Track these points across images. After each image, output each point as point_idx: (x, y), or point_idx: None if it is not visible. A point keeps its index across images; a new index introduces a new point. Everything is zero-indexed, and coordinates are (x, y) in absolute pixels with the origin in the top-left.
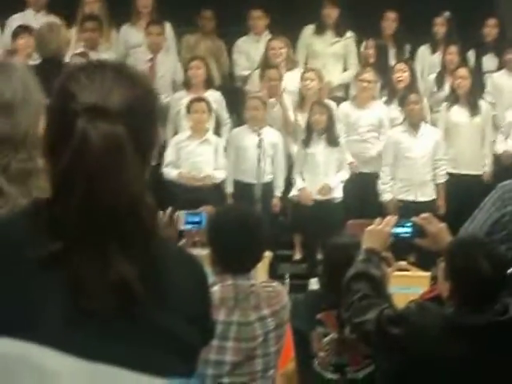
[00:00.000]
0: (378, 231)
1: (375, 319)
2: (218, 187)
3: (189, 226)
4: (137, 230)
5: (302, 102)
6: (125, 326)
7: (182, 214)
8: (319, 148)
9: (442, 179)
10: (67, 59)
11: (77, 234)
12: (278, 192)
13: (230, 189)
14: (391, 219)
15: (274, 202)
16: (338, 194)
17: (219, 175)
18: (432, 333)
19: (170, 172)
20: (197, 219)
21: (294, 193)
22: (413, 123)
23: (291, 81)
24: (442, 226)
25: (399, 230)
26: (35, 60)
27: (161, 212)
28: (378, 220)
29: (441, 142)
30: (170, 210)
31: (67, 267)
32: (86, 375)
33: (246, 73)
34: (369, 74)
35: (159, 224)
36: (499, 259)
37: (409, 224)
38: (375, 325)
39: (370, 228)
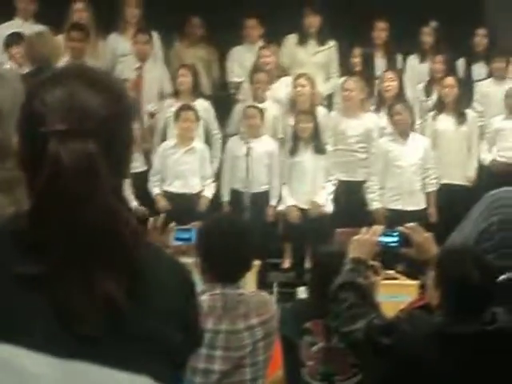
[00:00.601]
0: (364, 240)
1: (364, 329)
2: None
3: (178, 242)
4: (118, 247)
5: (293, 108)
6: (109, 333)
7: (172, 229)
8: (306, 156)
9: (433, 188)
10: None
11: (57, 255)
12: (274, 201)
13: (226, 197)
14: (378, 228)
15: (269, 212)
16: (328, 208)
17: (208, 193)
18: (422, 342)
19: (152, 188)
20: (187, 236)
21: (281, 207)
22: (400, 132)
23: (280, 90)
24: (428, 235)
25: (386, 239)
26: (26, 68)
27: (152, 219)
28: (364, 229)
29: (430, 151)
30: (162, 217)
31: (51, 288)
32: (66, 374)
33: (238, 79)
34: (351, 82)
35: (144, 232)
36: (489, 268)
37: (395, 233)
38: (364, 334)
39: (356, 237)
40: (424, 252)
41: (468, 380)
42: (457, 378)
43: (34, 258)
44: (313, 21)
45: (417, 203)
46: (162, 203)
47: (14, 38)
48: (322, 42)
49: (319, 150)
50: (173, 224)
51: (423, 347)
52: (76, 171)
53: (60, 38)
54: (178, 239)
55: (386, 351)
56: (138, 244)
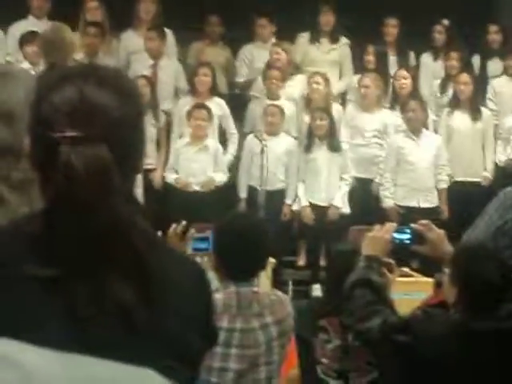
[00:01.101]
0: (377, 238)
1: (380, 326)
2: (220, 191)
3: (195, 252)
4: (129, 251)
5: (309, 106)
6: (121, 336)
7: (191, 237)
8: (321, 153)
9: (444, 185)
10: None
11: (69, 259)
12: (290, 200)
13: (242, 194)
14: (391, 226)
15: (285, 211)
16: (345, 209)
17: (219, 178)
18: (440, 340)
19: (168, 176)
20: (204, 246)
21: (295, 207)
22: (413, 129)
23: (293, 88)
24: (441, 232)
25: (399, 236)
26: (41, 67)
27: (174, 225)
28: (377, 226)
29: (442, 148)
30: (183, 224)
31: (63, 291)
32: (66, 366)
33: (243, 79)
34: (367, 79)
35: (156, 234)
36: (505, 265)
37: (408, 230)
38: (380, 332)
39: (369, 234)
40: (437, 249)
41: (487, 376)
42: (476, 375)
43: (47, 261)
44: (329, 19)
45: (430, 200)
46: (183, 182)
47: (29, 37)
48: (334, 39)
49: (334, 147)
50: (192, 231)
51: (442, 345)
52: (88, 176)
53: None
54: (195, 249)
55: (403, 349)
56: (150, 247)
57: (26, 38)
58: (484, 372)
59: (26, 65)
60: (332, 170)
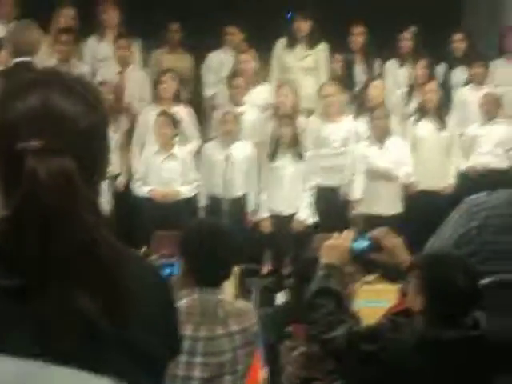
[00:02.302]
0: (336, 245)
1: (346, 336)
2: (189, 202)
3: None
4: (94, 262)
5: (275, 114)
6: (84, 346)
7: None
8: (285, 161)
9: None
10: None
11: (33, 270)
12: (251, 207)
13: (202, 202)
14: (349, 233)
15: (248, 218)
16: (310, 219)
17: (186, 191)
18: (407, 348)
19: (140, 189)
20: (168, 271)
21: (257, 216)
22: (378, 137)
23: (259, 95)
24: (399, 240)
25: (357, 244)
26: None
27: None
28: (335, 234)
29: (405, 153)
30: (144, 250)
31: (26, 301)
32: (19, 375)
33: (212, 92)
34: (329, 87)
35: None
36: (472, 272)
37: (366, 238)
38: (346, 341)
39: (328, 242)
40: (395, 257)
41: None
42: None
43: (11, 271)
44: (302, 25)
45: (394, 208)
46: (158, 193)
47: None
48: (311, 46)
49: (298, 155)
50: (154, 257)
51: (409, 354)
52: (53, 188)
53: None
54: None
55: (371, 359)
56: (115, 258)
57: None
58: (453, 381)
59: None
60: (295, 178)
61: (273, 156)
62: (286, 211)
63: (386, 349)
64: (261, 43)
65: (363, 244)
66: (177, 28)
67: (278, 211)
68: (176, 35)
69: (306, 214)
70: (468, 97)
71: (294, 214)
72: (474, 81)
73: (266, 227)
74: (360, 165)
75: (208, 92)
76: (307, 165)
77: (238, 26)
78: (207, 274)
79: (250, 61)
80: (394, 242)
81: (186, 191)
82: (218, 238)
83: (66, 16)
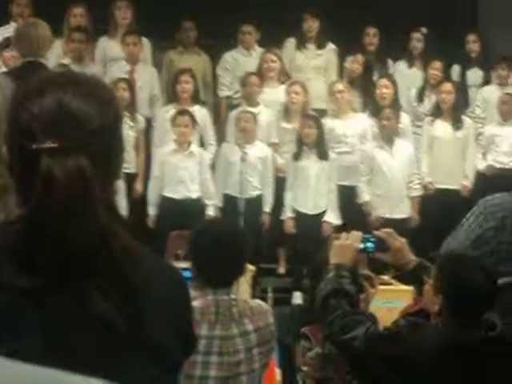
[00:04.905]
0: (345, 246)
1: (363, 337)
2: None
3: None
4: (109, 262)
5: (287, 114)
6: (101, 346)
7: None
8: (310, 161)
9: (416, 193)
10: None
11: (48, 271)
12: (267, 207)
13: (218, 203)
14: (357, 234)
15: (264, 218)
16: (338, 221)
17: (210, 203)
18: (427, 349)
19: (150, 195)
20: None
21: (283, 217)
22: (386, 138)
23: (284, 94)
24: (403, 241)
25: (364, 244)
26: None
27: None
28: (344, 235)
29: (414, 156)
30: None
31: (42, 303)
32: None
33: (229, 93)
34: (340, 85)
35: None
36: (489, 273)
37: (372, 239)
38: (364, 342)
39: (336, 243)
40: (400, 257)
41: None
42: None
43: (25, 272)
44: (312, 25)
45: (404, 211)
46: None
47: (7, 42)
48: (321, 45)
49: (323, 155)
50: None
51: (429, 355)
52: (68, 188)
53: (57, 43)
54: None
55: (388, 359)
56: (130, 257)
57: (4, 44)
58: (472, 383)
59: (3, 70)
60: (320, 178)
61: (298, 156)
62: (310, 211)
63: (405, 350)
64: (271, 42)
65: (368, 244)
66: (191, 26)
67: (302, 212)
68: (191, 34)
69: (334, 216)
70: (491, 97)
71: (318, 215)
72: (497, 82)
73: (290, 227)
74: (368, 166)
75: (223, 93)
76: (330, 165)
77: (254, 24)
78: (219, 275)
79: (277, 61)
80: (400, 243)
81: (200, 191)
82: (229, 238)
83: (78, 14)
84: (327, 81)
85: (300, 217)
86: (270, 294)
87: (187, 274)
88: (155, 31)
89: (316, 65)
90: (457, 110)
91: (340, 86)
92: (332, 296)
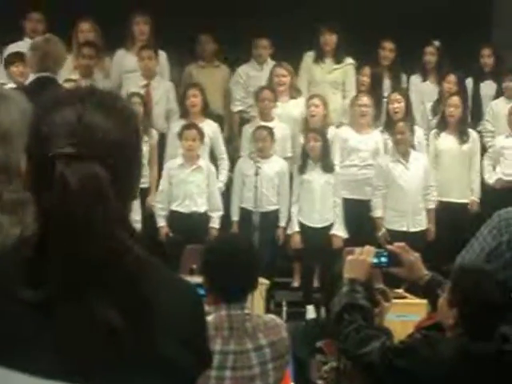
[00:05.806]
0: (358, 261)
1: (379, 351)
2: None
3: None
4: (120, 275)
5: (307, 128)
6: (111, 360)
7: None
8: (315, 174)
9: (432, 205)
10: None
11: (59, 282)
12: (283, 222)
13: (235, 217)
14: (371, 249)
15: (279, 233)
16: (345, 234)
17: (216, 215)
18: (442, 363)
19: (157, 212)
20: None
21: (288, 231)
22: (402, 151)
23: (295, 108)
24: (417, 255)
25: (377, 259)
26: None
27: None
28: (358, 249)
29: (430, 168)
30: None
31: (53, 314)
32: None
33: (241, 108)
34: (366, 99)
35: (149, 257)
36: (503, 287)
37: (385, 253)
38: (380, 357)
39: (349, 258)
40: (414, 272)
41: None
42: None
43: (39, 284)
44: (329, 39)
45: (419, 223)
46: (164, 233)
47: (14, 57)
48: (338, 60)
49: (328, 168)
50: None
51: (445, 370)
52: (83, 193)
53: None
54: None
55: (404, 374)
56: (143, 271)
57: (12, 59)
58: None
59: (11, 85)
60: (326, 191)
61: (303, 169)
62: (316, 224)
63: (420, 365)
64: (287, 56)
65: (382, 259)
66: (208, 39)
67: (308, 225)
68: (207, 47)
69: (342, 229)
70: (500, 109)
71: (325, 228)
72: (505, 94)
73: (297, 243)
74: (383, 180)
75: (236, 107)
76: (336, 178)
77: (269, 39)
78: (232, 289)
79: (287, 76)
80: (413, 257)
81: (216, 215)
82: (242, 253)
83: (85, 30)
84: (344, 95)
85: (306, 230)
86: (284, 308)
87: (201, 291)
88: (173, 44)
89: (333, 79)
90: (463, 124)
91: (365, 100)
92: (346, 311)
